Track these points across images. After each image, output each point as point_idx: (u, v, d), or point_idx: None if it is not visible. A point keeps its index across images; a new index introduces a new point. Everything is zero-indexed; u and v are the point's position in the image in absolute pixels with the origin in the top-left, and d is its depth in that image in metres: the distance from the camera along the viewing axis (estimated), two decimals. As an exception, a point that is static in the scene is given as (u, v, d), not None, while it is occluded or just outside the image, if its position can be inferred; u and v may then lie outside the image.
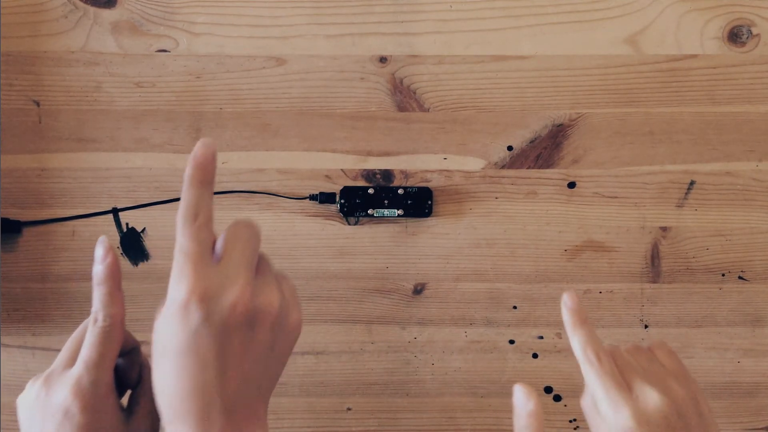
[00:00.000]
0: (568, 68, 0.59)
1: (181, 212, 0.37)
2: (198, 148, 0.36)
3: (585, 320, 0.41)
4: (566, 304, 0.41)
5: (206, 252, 0.36)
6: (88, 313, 0.59)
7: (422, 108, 0.59)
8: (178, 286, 0.35)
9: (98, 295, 0.39)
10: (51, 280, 0.59)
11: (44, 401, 0.38)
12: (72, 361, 0.40)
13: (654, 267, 0.60)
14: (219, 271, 0.35)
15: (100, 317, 0.39)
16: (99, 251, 0.39)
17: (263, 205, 0.59)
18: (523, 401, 0.36)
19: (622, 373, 0.40)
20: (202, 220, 0.37)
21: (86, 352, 0.39)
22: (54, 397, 0.38)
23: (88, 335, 0.39)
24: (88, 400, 0.38)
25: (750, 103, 0.59)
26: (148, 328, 0.60)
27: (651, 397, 0.38)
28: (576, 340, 0.40)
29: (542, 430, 0.35)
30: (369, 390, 0.61)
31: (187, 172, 0.37)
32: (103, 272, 0.39)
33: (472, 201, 0.59)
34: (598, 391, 0.39)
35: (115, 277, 0.39)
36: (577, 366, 0.59)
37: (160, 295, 0.59)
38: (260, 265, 0.38)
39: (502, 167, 0.59)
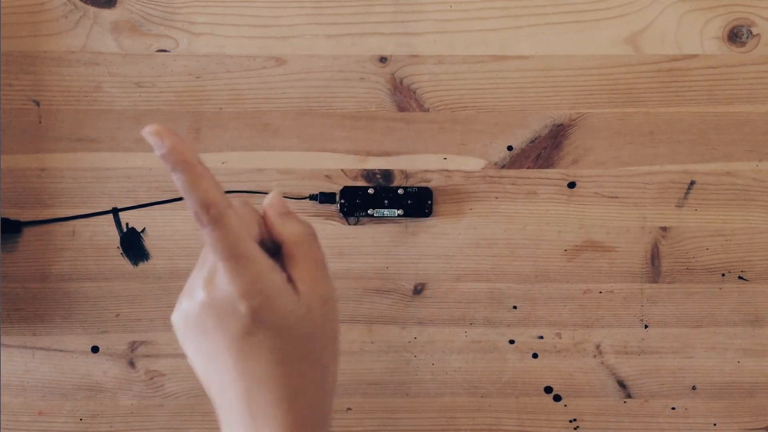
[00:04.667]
0: (568, 68, 0.59)
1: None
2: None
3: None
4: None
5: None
6: (88, 313, 0.60)
7: (422, 108, 0.59)
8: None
9: (182, 187, 0.30)
10: (51, 280, 0.59)
11: (212, 307, 0.31)
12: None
13: (654, 267, 0.60)
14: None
15: (202, 212, 0.30)
16: (151, 136, 0.29)
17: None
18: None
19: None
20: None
21: (221, 249, 0.30)
22: (222, 298, 0.31)
23: (207, 235, 0.30)
24: (256, 286, 0.31)
25: (750, 103, 0.59)
26: (148, 328, 0.60)
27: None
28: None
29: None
30: (369, 390, 0.60)
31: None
32: (171, 158, 0.29)
33: (472, 201, 0.59)
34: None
35: (189, 157, 0.29)
36: (578, 366, 0.59)
37: (160, 295, 0.60)
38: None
39: (502, 167, 0.59)
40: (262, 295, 0.30)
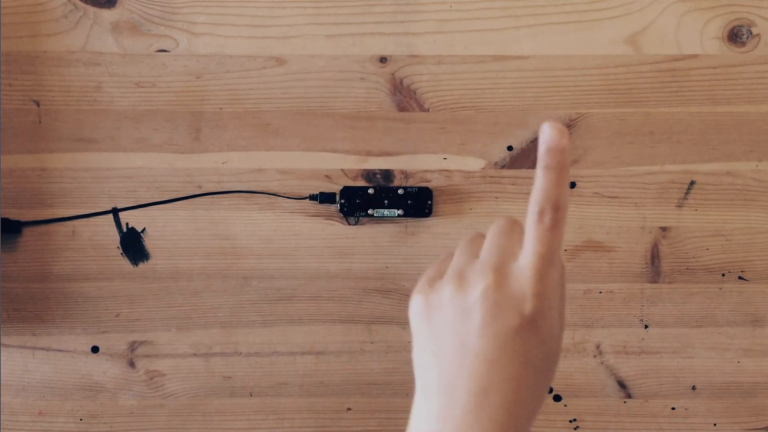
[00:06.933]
0: (568, 68, 0.59)
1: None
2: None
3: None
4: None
5: None
6: (88, 313, 0.60)
7: (422, 108, 0.59)
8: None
9: (544, 182, 0.32)
10: (51, 280, 0.59)
11: (498, 294, 0.32)
12: (510, 256, 0.33)
13: (654, 267, 0.60)
14: None
15: (551, 211, 0.32)
16: (550, 134, 0.31)
17: (263, 205, 0.59)
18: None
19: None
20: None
21: (543, 246, 0.32)
22: (512, 290, 0.32)
23: (536, 231, 0.32)
24: (549, 292, 0.32)
25: (750, 103, 0.59)
26: (148, 328, 0.60)
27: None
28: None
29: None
30: (369, 390, 0.61)
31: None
32: (557, 156, 0.31)
33: (472, 201, 0.59)
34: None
35: (567, 160, 0.32)
36: (578, 366, 0.59)
37: (160, 295, 0.60)
38: None
39: (502, 167, 0.59)
40: (548, 303, 0.32)
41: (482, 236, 0.36)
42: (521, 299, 0.31)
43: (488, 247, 0.34)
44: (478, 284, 0.32)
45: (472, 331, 0.32)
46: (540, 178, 0.32)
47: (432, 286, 0.34)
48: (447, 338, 0.33)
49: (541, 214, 0.32)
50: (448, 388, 0.32)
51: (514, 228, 0.35)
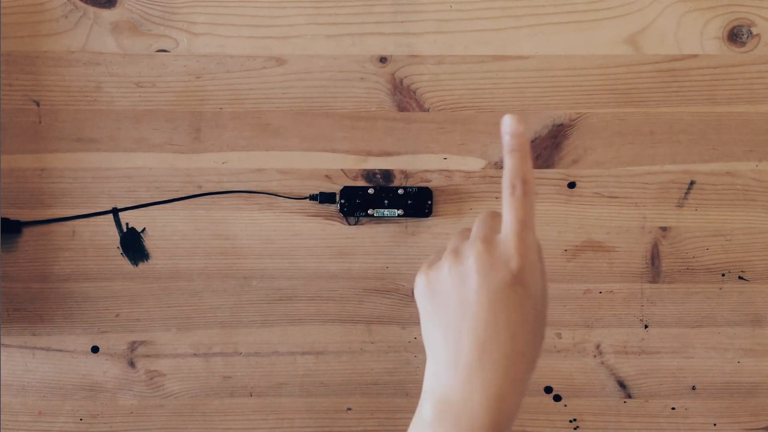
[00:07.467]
0: (568, 68, 0.59)
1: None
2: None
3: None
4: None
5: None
6: (88, 313, 0.60)
7: (422, 108, 0.59)
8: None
9: (511, 162, 0.38)
10: (51, 280, 0.59)
11: (488, 257, 0.37)
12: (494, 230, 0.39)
13: (654, 267, 0.60)
14: None
15: (520, 184, 0.38)
16: (510, 123, 0.38)
17: (263, 205, 0.59)
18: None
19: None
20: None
21: (518, 213, 0.37)
22: (500, 252, 0.37)
23: (511, 202, 0.37)
24: (529, 250, 0.37)
25: (750, 103, 0.59)
26: (148, 328, 0.60)
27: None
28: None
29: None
30: (369, 390, 0.61)
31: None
32: (517, 140, 0.38)
33: (472, 201, 0.59)
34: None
35: (527, 143, 0.38)
36: (578, 366, 0.59)
37: (160, 295, 0.60)
38: None
39: (502, 167, 0.59)
40: (530, 260, 0.37)
41: (470, 229, 0.41)
42: (508, 258, 0.36)
43: (475, 229, 0.40)
44: (471, 253, 0.37)
45: (470, 293, 0.37)
46: (507, 160, 0.38)
47: (431, 267, 0.39)
48: (449, 305, 0.37)
49: (513, 187, 0.37)
50: (453, 346, 0.37)
51: (495, 216, 0.40)
